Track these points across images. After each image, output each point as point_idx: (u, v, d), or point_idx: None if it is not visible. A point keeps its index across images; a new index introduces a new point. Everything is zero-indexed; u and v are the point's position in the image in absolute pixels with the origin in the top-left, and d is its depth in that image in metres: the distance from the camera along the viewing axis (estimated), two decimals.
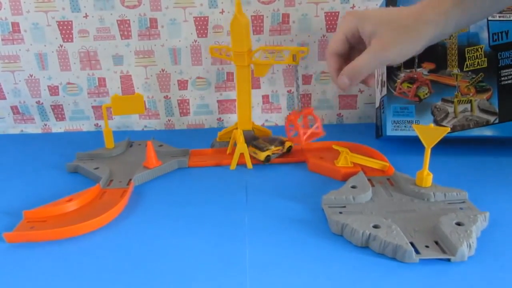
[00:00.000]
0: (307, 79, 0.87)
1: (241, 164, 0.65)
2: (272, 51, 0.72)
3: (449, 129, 0.51)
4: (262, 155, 0.64)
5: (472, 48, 0.68)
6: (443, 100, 0.68)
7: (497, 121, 0.67)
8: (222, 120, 0.89)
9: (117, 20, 0.80)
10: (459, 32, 0.68)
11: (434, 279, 0.39)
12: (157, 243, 0.45)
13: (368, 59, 0.45)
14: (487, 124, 0.67)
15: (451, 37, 0.68)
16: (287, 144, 0.67)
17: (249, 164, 0.65)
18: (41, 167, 0.67)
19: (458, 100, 0.68)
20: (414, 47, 0.44)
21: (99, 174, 0.60)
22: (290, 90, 0.74)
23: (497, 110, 0.67)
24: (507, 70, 0.67)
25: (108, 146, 0.71)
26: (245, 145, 0.64)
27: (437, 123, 0.68)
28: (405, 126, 0.68)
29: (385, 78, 0.70)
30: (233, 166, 0.65)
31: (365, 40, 0.46)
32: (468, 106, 0.68)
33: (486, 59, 0.67)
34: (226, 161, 0.66)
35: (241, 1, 0.65)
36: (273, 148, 0.65)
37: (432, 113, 0.68)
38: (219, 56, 0.71)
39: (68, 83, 0.84)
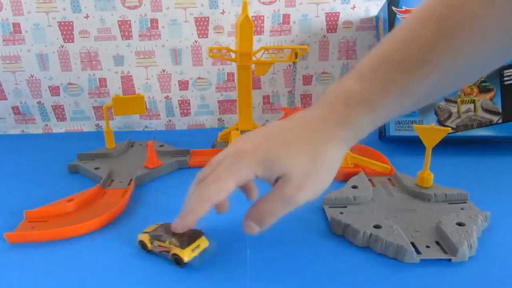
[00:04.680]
0: (307, 79, 0.87)
1: None
2: (273, 50, 0.72)
3: (449, 129, 0.51)
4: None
5: None
6: (446, 100, 0.68)
7: (500, 121, 0.67)
8: (223, 120, 0.89)
9: (118, 21, 0.80)
10: None
11: (435, 279, 0.38)
12: None
13: (280, 205, 0.36)
14: (490, 124, 0.67)
15: None
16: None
17: None
18: (42, 167, 0.67)
19: (461, 100, 0.68)
20: (330, 177, 0.37)
21: (100, 174, 0.60)
22: (291, 90, 0.74)
23: (500, 110, 0.67)
24: (510, 70, 0.67)
25: (109, 146, 0.71)
26: None
27: (441, 123, 0.67)
28: (409, 126, 0.68)
29: None
30: None
31: (266, 180, 0.37)
32: (472, 106, 0.68)
33: None
34: None
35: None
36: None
37: (436, 113, 0.68)
38: (217, 57, 0.71)
39: (69, 84, 0.84)
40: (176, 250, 0.39)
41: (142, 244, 0.43)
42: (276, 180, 0.36)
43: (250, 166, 0.35)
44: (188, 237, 0.40)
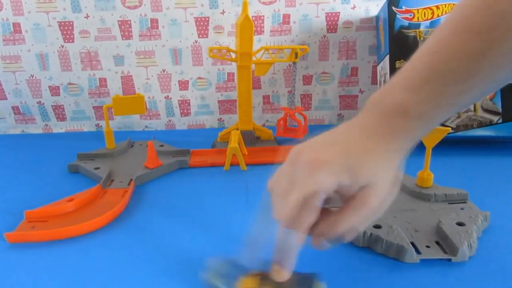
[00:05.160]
0: (307, 80, 0.87)
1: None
2: (273, 50, 0.72)
3: (449, 130, 0.51)
4: None
5: None
6: None
7: (500, 121, 0.67)
8: (223, 120, 0.89)
9: (118, 21, 0.80)
10: None
11: (435, 279, 0.38)
12: (158, 243, 0.45)
13: (364, 216, 0.34)
14: (490, 124, 0.67)
15: None
16: None
17: (243, 166, 0.64)
18: (42, 167, 0.67)
19: None
20: (395, 186, 0.37)
21: (100, 174, 0.60)
22: (291, 90, 0.75)
23: (500, 110, 0.67)
24: None
25: (109, 146, 0.71)
26: (237, 145, 0.63)
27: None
28: None
29: (388, 78, 0.70)
30: (227, 167, 0.65)
31: (346, 191, 0.34)
32: (472, 106, 0.68)
33: None
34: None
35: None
36: None
37: None
38: (217, 57, 0.71)
39: (69, 84, 0.84)
40: None
41: None
42: (349, 195, 0.34)
43: (334, 174, 0.33)
44: (301, 286, 0.33)
